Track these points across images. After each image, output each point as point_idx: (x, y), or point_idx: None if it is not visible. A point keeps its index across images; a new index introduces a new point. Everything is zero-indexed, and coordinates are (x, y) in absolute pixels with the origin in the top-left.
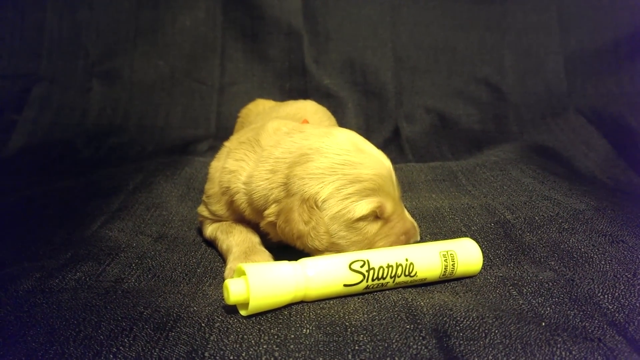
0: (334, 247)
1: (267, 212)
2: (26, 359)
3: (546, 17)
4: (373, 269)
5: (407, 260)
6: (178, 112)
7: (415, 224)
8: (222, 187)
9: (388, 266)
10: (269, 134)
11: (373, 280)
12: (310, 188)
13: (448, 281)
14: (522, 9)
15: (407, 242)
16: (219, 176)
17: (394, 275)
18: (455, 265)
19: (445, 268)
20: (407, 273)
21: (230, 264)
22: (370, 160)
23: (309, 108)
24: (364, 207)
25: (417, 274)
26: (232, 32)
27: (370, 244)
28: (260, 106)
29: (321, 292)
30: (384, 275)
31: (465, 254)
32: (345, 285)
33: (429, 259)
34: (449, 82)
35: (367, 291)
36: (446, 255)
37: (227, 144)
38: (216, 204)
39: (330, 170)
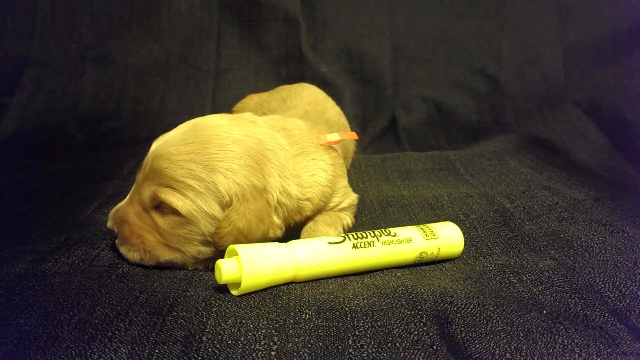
0: None
1: None
2: (19, 342)
3: (545, 8)
4: (353, 234)
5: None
6: (173, 98)
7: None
8: None
9: (366, 232)
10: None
11: (356, 239)
12: None
13: (442, 262)
14: None
15: None
16: None
17: (375, 236)
18: (435, 233)
19: (425, 232)
20: (386, 234)
21: None
22: None
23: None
24: None
25: (397, 234)
26: (229, 17)
27: None
28: (256, 97)
29: (311, 270)
30: (366, 236)
31: (443, 229)
32: (329, 243)
33: (406, 228)
34: (447, 72)
35: (357, 262)
36: (422, 227)
37: None
38: None
39: None
